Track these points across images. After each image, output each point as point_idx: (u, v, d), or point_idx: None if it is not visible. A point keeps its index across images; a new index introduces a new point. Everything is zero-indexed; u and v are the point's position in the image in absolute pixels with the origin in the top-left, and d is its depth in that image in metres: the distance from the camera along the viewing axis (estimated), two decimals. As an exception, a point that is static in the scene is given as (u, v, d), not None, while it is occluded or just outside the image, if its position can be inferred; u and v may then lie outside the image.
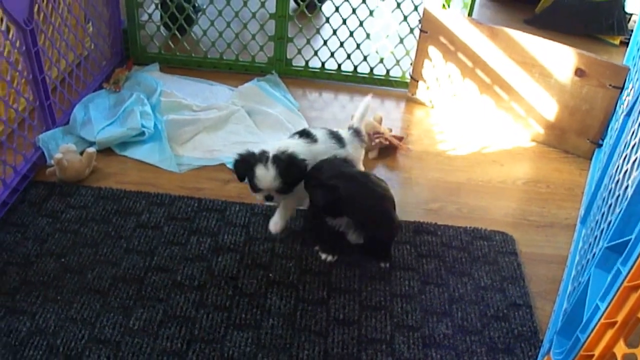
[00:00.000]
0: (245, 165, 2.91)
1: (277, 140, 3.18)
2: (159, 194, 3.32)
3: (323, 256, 2.99)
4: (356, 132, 3.27)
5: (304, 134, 3.13)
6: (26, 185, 3.38)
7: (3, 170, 3.24)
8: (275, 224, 3.04)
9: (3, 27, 3.17)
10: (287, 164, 2.87)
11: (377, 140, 3.67)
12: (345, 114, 4.13)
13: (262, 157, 2.88)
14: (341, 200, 2.77)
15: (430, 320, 2.73)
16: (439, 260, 3.02)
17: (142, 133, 3.73)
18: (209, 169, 3.53)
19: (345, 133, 3.24)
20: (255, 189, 2.92)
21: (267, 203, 3.00)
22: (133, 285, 2.81)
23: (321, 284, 2.86)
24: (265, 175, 2.84)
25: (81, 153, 3.48)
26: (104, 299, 2.76)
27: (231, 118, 3.94)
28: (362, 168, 3.32)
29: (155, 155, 3.62)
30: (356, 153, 3.25)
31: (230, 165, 3.51)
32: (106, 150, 3.67)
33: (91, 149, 3.48)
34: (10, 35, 3.23)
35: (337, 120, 4.07)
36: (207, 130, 3.85)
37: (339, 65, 4.51)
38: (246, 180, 2.95)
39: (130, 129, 3.72)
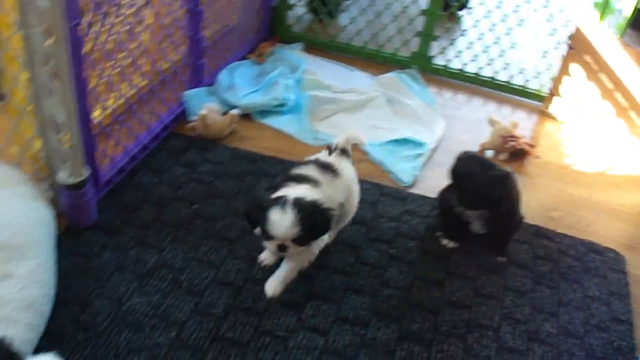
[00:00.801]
0: (259, 208, 2.57)
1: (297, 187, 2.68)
2: (293, 162, 3.48)
3: (444, 241, 3.15)
4: (343, 152, 2.98)
5: (302, 179, 2.74)
6: (167, 135, 3.66)
7: (149, 116, 3.53)
8: (273, 287, 2.76)
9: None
10: (310, 210, 2.54)
11: (510, 144, 3.80)
12: (476, 117, 4.27)
13: (279, 200, 2.54)
14: (497, 192, 2.92)
15: (537, 318, 2.87)
16: (554, 265, 3.15)
17: (283, 104, 3.98)
18: (343, 147, 3.72)
19: (330, 158, 2.93)
20: (267, 236, 2.56)
21: (280, 254, 2.67)
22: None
23: (439, 267, 3.04)
24: (282, 220, 2.50)
25: (223, 114, 3.72)
26: (230, 246, 3.00)
27: (370, 103, 4.13)
28: (357, 187, 3.03)
29: (293, 126, 3.84)
30: (350, 173, 2.97)
31: (363, 148, 3.72)
32: (246, 116, 3.92)
33: (235, 111, 3.74)
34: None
35: (466, 121, 4.24)
36: (346, 110, 4.05)
37: (479, 70, 4.63)
38: (258, 229, 2.62)
39: (273, 99, 3.96)
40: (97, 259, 2.87)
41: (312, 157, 2.91)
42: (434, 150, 3.82)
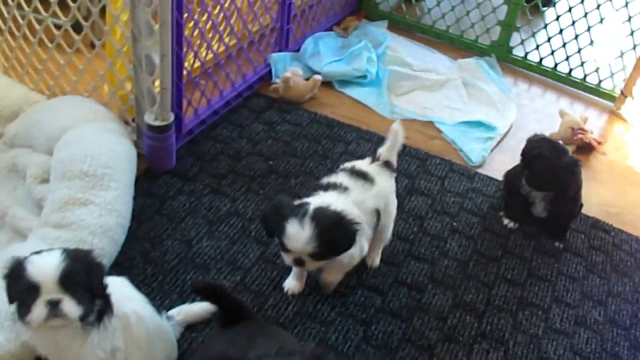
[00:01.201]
0: (277, 217, 2.34)
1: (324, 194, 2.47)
2: (369, 131, 3.59)
3: (505, 221, 3.18)
4: (386, 164, 2.69)
5: (329, 186, 2.51)
6: (250, 94, 3.75)
7: (235, 74, 3.61)
8: (293, 286, 2.66)
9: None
10: (330, 224, 2.29)
11: (579, 136, 3.79)
12: (549, 110, 4.23)
13: (299, 209, 2.31)
14: (567, 176, 2.98)
15: (586, 304, 2.90)
16: (607, 257, 3.16)
17: (364, 76, 4.03)
18: (417, 123, 3.76)
19: (367, 166, 2.65)
20: (284, 248, 2.36)
21: (297, 267, 2.50)
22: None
23: (498, 244, 3.08)
24: (298, 234, 2.27)
25: (306, 79, 3.78)
26: (302, 202, 3.06)
27: (447, 84, 4.15)
28: (395, 200, 2.80)
29: (372, 99, 3.89)
30: (388, 184, 2.70)
31: (437, 125, 3.76)
32: (326, 84, 3.98)
33: (318, 76, 3.80)
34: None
35: (539, 113, 4.21)
36: (423, 89, 4.09)
37: (556, 65, 4.59)
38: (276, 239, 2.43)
39: (355, 70, 4.02)
40: (172, 202, 2.98)
41: (348, 165, 2.66)
42: (505, 135, 3.83)
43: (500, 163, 3.47)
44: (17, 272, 1.84)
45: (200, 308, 2.46)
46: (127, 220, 2.74)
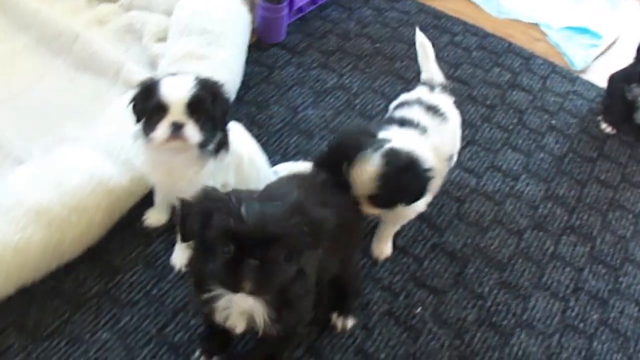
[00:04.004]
0: (346, 147, 2.00)
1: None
2: (476, 26, 3.53)
3: (603, 126, 3.11)
4: (445, 88, 2.42)
5: (406, 122, 2.19)
6: (358, -18, 3.69)
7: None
8: (380, 251, 2.38)
9: None
10: (400, 167, 1.94)
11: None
12: None
13: (374, 142, 1.99)
14: None
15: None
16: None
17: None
18: (522, 24, 3.66)
19: (435, 98, 2.34)
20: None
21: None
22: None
23: (594, 147, 3.04)
24: (364, 170, 1.93)
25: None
26: (405, 85, 3.08)
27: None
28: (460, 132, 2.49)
29: (481, -5, 3.84)
30: (456, 118, 2.41)
31: (542, 28, 3.69)
32: (436, -23, 3.90)
33: (429, -31, 3.74)
34: None
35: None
36: (531, -7, 4.01)
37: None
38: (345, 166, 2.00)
39: (466, -34, 3.94)
40: (280, 72, 3.02)
41: (413, 95, 2.35)
42: (611, 45, 3.70)
43: (603, 71, 3.38)
44: (150, 90, 1.87)
45: (303, 167, 2.48)
46: (238, 78, 2.79)
